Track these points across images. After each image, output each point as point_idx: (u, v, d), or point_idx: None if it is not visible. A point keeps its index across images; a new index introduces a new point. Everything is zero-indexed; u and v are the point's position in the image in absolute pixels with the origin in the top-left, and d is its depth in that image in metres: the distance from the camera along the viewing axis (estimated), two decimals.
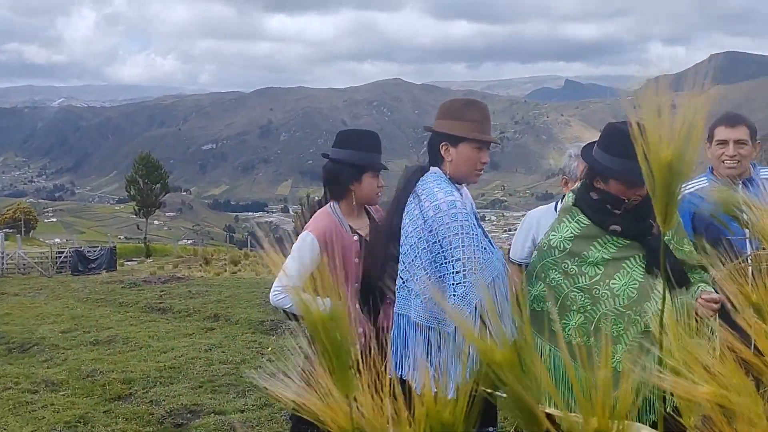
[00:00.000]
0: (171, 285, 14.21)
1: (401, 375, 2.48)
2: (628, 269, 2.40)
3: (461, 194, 2.56)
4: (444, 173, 2.56)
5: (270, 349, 7.27)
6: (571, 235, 2.47)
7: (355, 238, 2.83)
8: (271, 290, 2.84)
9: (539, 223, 3.37)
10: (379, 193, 2.93)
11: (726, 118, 3.06)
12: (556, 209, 3.38)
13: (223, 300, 11.20)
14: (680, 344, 0.70)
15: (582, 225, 2.47)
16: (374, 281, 2.67)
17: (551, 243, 2.50)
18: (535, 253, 2.59)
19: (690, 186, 3.01)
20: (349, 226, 2.88)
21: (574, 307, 2.41)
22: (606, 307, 2.37)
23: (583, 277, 2.42)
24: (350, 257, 2.81)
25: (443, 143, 2.55)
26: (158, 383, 5.98)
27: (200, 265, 25.65)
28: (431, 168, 2.59)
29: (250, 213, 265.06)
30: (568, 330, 2.38)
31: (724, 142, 2.99)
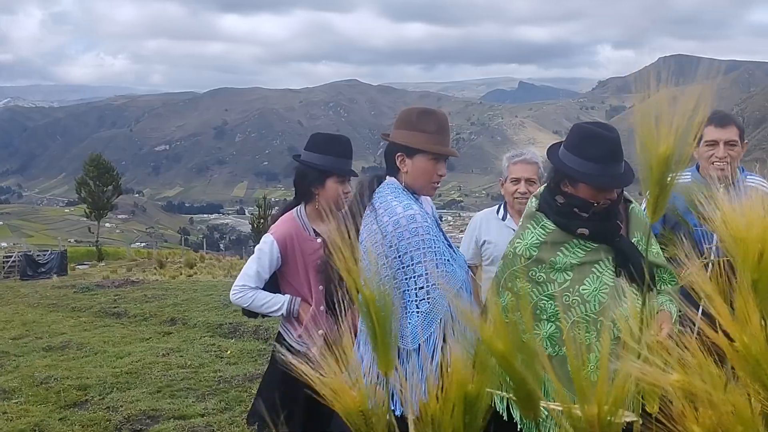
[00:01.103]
0: (125, 289, 13.93)
1: None
2: (598, 273, 2.30)
3: (420, 203, 2.49)
4: (401, 184, 2.48)
5: (229, 352, 7.21)
6: (537, 241, 2.37)
7: (320, 241, 2.84)
8: (231, 289, 2.90)
9: (481, 226, 3.45)
10: (345, 199, 2.90)
11: (716, 118, 2.93)
12: (498, 212, 3.44)
13: (179, 303, 11.03)
14: (647, 336, 0.72)
15: (548, 230, 2.37)
16: (336, 288, 2.64)
17: (516, 251, 2.39)
18: (501, 262, 2.48)
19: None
20: (314, 229, 2.90)
21: (544, 316, 2.32)
22: (577, 314, 2.26)
23: (552, 284, 2.32)
24: (314, 261, 2.83)
25: (399, 154, 2.47)
26: (115, 389, 5.88)
27: (155, 268, 25.15)
28: (388, 178, 2.51)
29: (205, 215, 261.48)
30: (539, 341, 2.27)
31: (713, 143, 2.88)
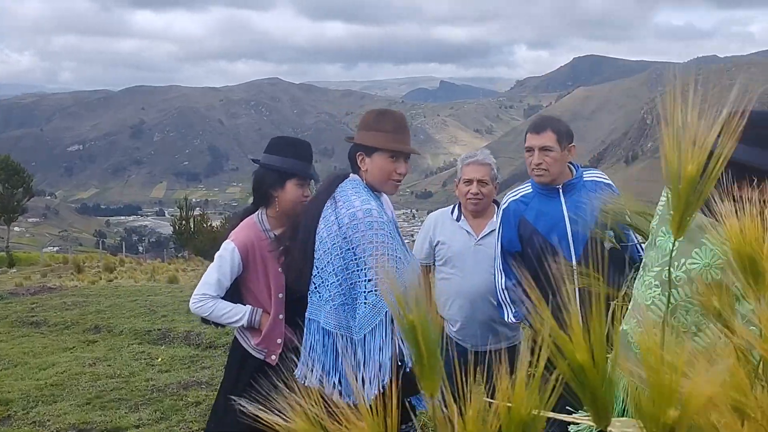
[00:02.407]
0: (42, 296, 13.28)
1: (308, 383, 2.46)
2: None
3: (381, 202, 2.56)
4: (363, 181, 2.56)
5: (160, 359, 6.97)
6: (721, 260, 1.76)
7: (281, 248, 2.77)
8: (191, 298, 2.80)
9: (435, 226, 3.47)
10: (305, 203, 2.87)
11: (533, 125, 2.96)
12: (452, 213, 3.46)
13: (103, 310, 10.61)
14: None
15: None
16: (296, 290, 2.61)
17: (691, 275, 1.78)
18: (657, 291, 1.88)
19: (515, 193, 3.03)
20: (275, 235, 2.83)
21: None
22: None
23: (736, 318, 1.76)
24: (275, 267, 2.76)
25: (359, 153, 2.55)
26: (40, 402, 5.58)
27: (72, 273, 24.10)
28: (351, 175, 2.58)
29: (122, 217, 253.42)
30: None
31: (530, 150, 2.90)
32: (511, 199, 3.03)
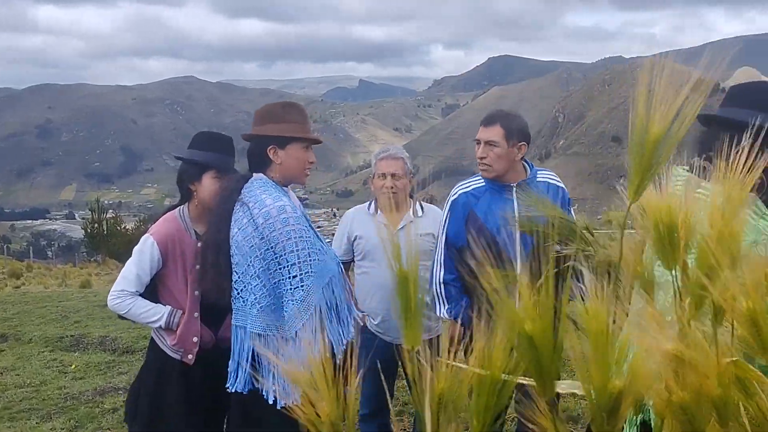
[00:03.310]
0: None
1: (237, 389, 2.44)
2: None
3: (289, 197, 2.56)
4: (269, 178, 2.54)
5: (74, 366, 6.71)
6: (763, 237, 1.67)
7: (200, 244, 2.73)
8: (109, 294, 2.73)
9: (353, 222, 3.51)
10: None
11: (484, 117, 2.95)
12: (369, 208, 3.51)
13: (9, 318, 10.09)
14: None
15: None
16: (211, 293, 2.57)
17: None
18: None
19: (467, 185, 3.00)
20: (195, 231, 2.78)
21: None
22: None
23: None
24: (194, 263, 2.72)
25: (271, 147, 2.53)
26: None
27: None
28: (255, 175, 2.56)
29: (28, 221, 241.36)
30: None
31: (478, 142, 2.89)
32: (461, 191, 2.99)
